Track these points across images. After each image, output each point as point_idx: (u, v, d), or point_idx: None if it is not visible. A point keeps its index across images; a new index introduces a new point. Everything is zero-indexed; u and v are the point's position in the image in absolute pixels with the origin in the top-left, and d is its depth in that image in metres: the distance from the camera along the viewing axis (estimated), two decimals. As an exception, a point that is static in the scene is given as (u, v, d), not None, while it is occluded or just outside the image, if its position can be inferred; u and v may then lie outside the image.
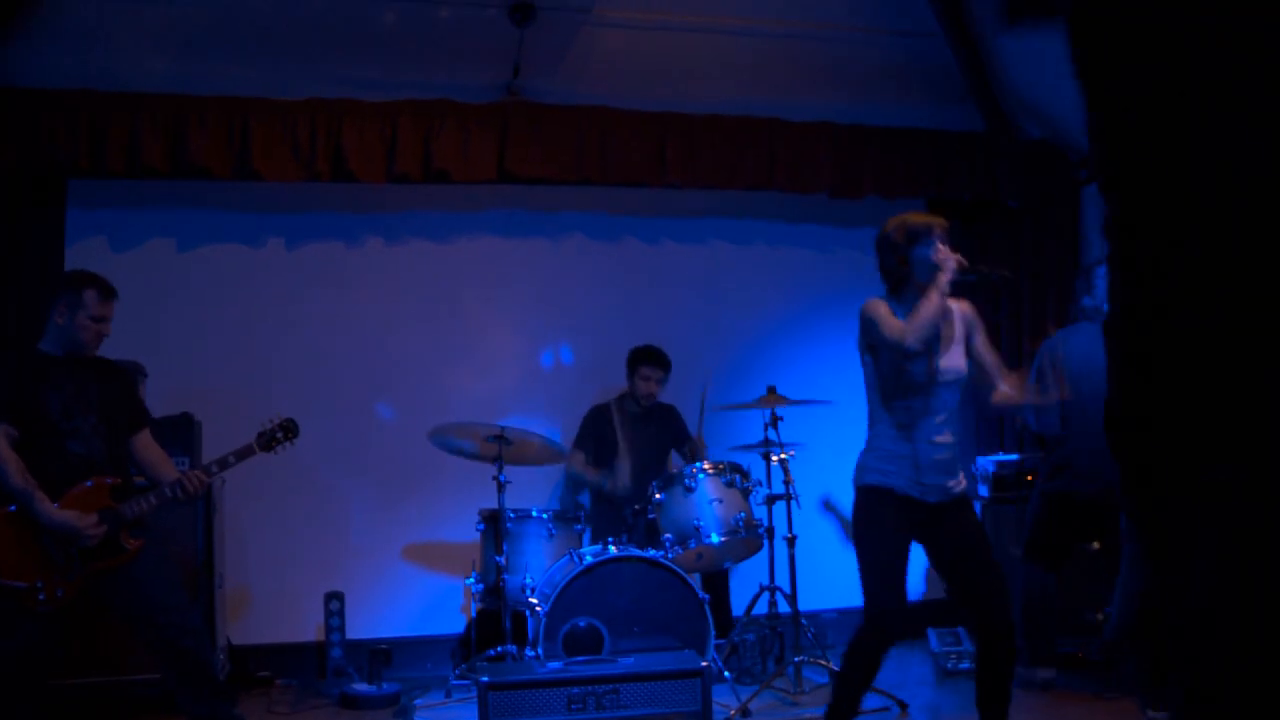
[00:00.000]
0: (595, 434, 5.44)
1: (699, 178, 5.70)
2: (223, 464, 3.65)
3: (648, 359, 5.39)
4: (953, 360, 3.30)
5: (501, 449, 4.66)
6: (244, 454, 3.69)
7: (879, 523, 3.28)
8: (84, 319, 3.51)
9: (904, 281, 3.31)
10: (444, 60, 5.53)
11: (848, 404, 5.61)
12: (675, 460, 5.59)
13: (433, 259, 5.78)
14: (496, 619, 4.75)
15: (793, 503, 4.70)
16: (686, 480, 4.75)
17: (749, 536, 4.71)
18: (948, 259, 3.20)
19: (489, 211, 5.87)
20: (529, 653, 4.33)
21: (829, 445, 5.72)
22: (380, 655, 4.81)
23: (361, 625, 5.31)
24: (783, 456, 4.77)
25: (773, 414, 4.85)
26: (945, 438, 3.27)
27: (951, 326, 3.33)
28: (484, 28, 5.39)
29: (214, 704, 3.50)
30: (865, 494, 3.32)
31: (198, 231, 5.52)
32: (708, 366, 5.94)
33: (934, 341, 3.23)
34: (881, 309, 3.28)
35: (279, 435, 3.78)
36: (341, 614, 5.11)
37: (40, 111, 4.92)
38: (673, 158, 5.63)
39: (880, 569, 3.27)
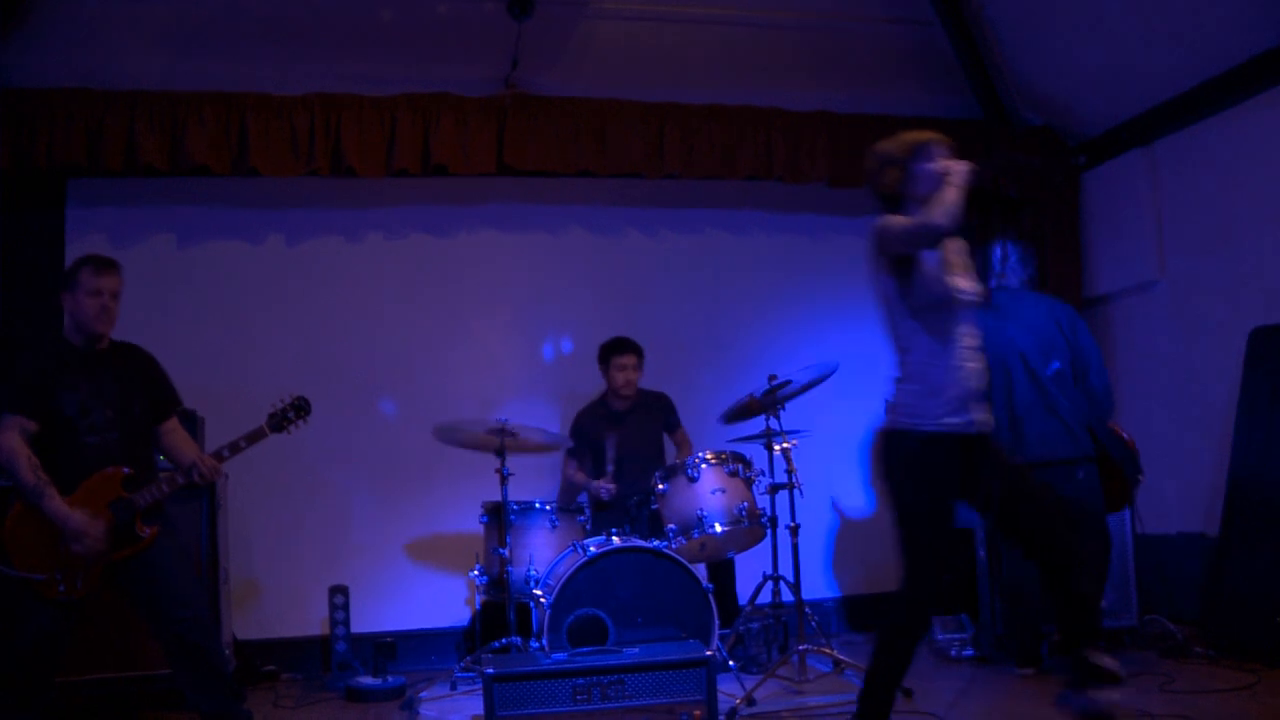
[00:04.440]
0: (585, 441, 5.41)
1: (697, 168, 5.71)
2: (234, 448, 3.62)
3: (617, 348, 5.38)
4: (974, 282, 3.08)
5: (504, 442, 4.67)
6: (255, 437, 3.66)
7: (929, 472, 2.96)
8: (83, 296, 3.50)
9: (900, 198, 3.12)
10: (442, 54, 5.53)
11: (849, 392, 5.64)
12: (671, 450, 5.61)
13: (433, 253, 5.79)
14: (501, 611, 4.77)
15: (795, 492, 4.71)
16: (689, 470, 4.76)
17: (752, 526, 4.73)
18: (955, 166, 3.01)
19: (488, 205, 5.87)
20: (534, 644, 4.35)
21: (831, 434, 5.74)
22: (385, 648, 4.83)
23: (366, 619, 5.33)
24: (785, 446, 4.77)
25: (774, 404, 4.85)
26: (978, 364, 3.04)
27: (960, 247, 3.12)
28: (482, 21, 5.39)
29: (223, 700, 3.51)
30: (911, 441, 2.97)
31: (197, 228, 5.53)
32: (708, 356, 5.96)
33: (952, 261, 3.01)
34: (893, 217, 3.06)
35: (290, 415, 3.74)
36: (346, 608, 5.13)
37: (37, 111, 4.93)
38: (671, 149, 5.63)
39: (929, 529, 2.95)
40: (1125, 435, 4.53)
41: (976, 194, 6.65)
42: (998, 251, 4.55)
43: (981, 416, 3.05)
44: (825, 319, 6.23)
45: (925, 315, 3.03)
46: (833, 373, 4.87)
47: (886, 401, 3.09)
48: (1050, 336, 4.49)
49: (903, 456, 3.01)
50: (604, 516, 5.23)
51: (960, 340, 3.04)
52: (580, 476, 5.36)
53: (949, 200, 2.94)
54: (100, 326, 3.55)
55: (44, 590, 3.35)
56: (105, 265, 3.58)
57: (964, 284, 3.06)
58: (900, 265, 3.04)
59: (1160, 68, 5.38)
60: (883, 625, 3.11)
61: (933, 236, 2.95)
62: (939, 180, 3.02)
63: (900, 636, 3.02)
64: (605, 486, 5.16)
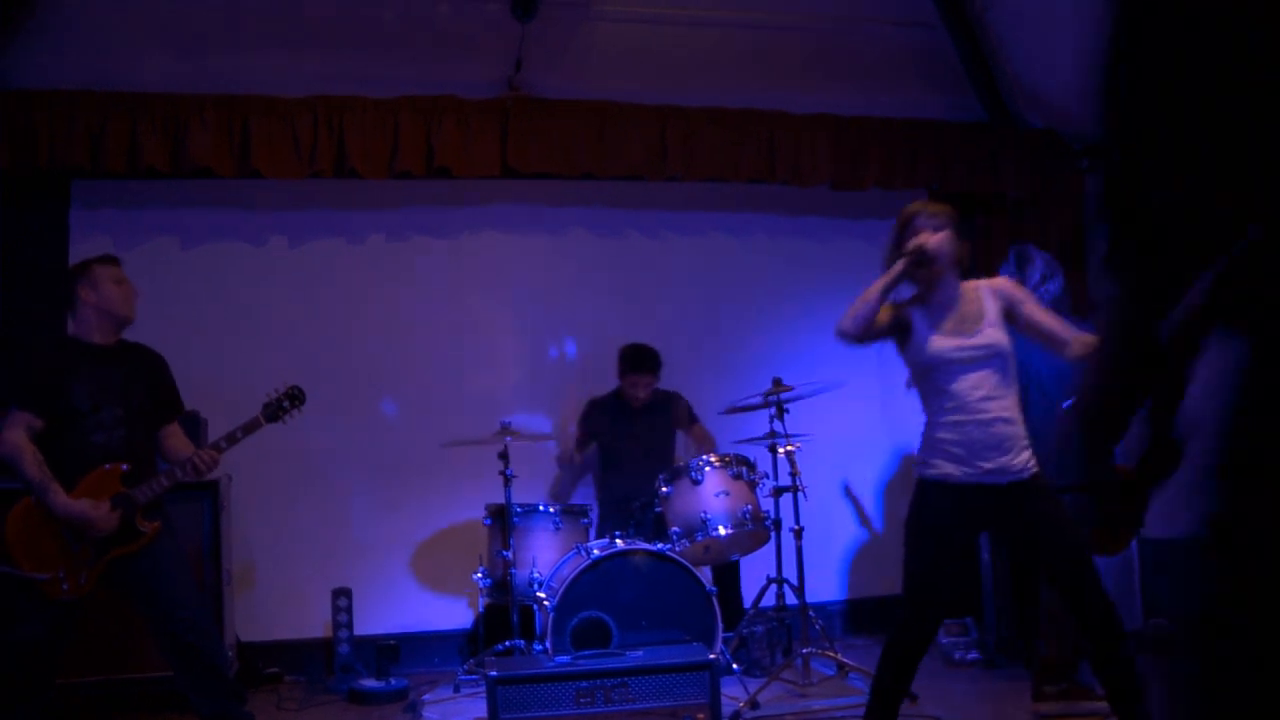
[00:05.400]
0: (596, 427, 5.43)
1: (700, 171, 5.70)
2: (231, 439, 3.61)
3: (635, 367, 5.32)
4: (977, 339, 3.22)
5: (507, 446, 4.67)
6: (251, 427, 3.64)
7: (923, 515, 3.26)
8: (108, 285, 3.57)
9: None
10: (445, 55, 5.52)
11: (853, 395, 5.63)
12: (682, 449, 5.60)
13: (435, 255, 5.78)
14: (504, 613, 4.76)
15: (799, 495, 4.70)
16: (693, 473, 4.75)
17: (756, 529, 4.72)
18: (912, 245, 3.24)
19: (491, 207, 5.86)
20: (537, 647, 4.34)
21: (835, 437, 5.73)
22: (388, 651, 4.82)
23: (369, 621, 5.32)
24: (789, 449, 4.77)
25: (778, 406, 4.85)
26: (988, 415, 3.18)
27: (976, 305, 3.27)
28: (485, 22, 5.39)
29: (224, 702, 3.50)
30: (918, 486, 3.31)
31: (201, 230, 5.53)
32: (711, 360, 5.95)
33: (959, 325, 3.24)
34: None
35: (285, 404, 3.73)
36: (349, 610, 5.12)
37: (40, 113, 4.92)
38: (673, 151, 5.62)
39: (917, 563, 3.24)
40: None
41: (980, 198, 6.65)
42: (1037, 274, 4.48)
43: (990, 466, 3.16)
44: (829, 322, 6.20)
45: (920, 379, 3.31)
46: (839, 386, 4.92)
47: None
48: (1070, 367, 4.36)
49: (913, 497, 3.32)
50: (609, 516, 5.23)
51: (962, 395, 3.20)
52: (574, 455, 5.49)
53: (857, 303, 3.29)
54: (129, 311, 3.63)
55: (49, 589, 3.35)
56: (115, 260, 3.68)
57: (947, 344, 3.23)
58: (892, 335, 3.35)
59: (1164, 70, 5.37)
60: (886, 638, 3.34)
61: (841, 338, 3.32)
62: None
63: (895, 646, 3.26)
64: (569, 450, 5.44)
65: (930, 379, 3.25)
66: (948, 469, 3.19)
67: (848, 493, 6.17)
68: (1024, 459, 3.21)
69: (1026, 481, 3.19)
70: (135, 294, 3.66)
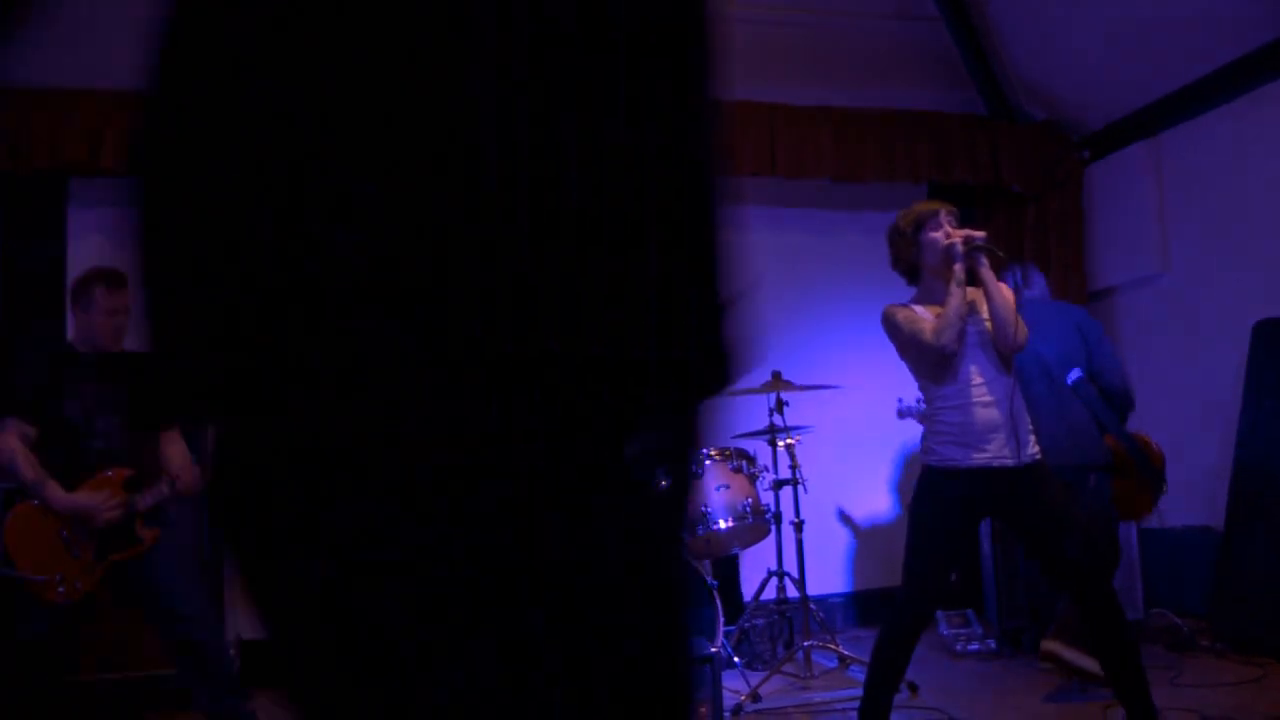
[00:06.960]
0: None
1: (700, 164, 5.69)
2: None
3: None
4: (978, 325, 3.21)
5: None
6: None
7: (928, 500, 3.21)
8: (97, 315, 3.53)
9: (917, 269, 3.29)
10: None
11: (853, 388, 5.63)
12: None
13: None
14: (506, 609, 4.77)
15: (799, 488, 4.71)
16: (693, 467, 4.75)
17: (756, 522, 4.72)
18: (953, 239, 3.15)
19: (490, 202, 5.86)
20: (539, 642, 4.34)
21: (835, 430, 5.74)
22: (391, 647, 4.82)
23: (371, 617, 5.32)
24: (789, 442, 4.77)
25: (778, 399, 4.85)
26: (988, 399, 3.13)
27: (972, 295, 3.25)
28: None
29: (228, 700, 3.51)
30: (923, 473, 3.25)
31: (199, 227, 5.52)
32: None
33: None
34: (899, 315, 3.25)
35: None
36: (351, 606, 5.12)
37: (38, 110, 4.91)
38: (673, 145, 5.61)
39: (924, 551, 3.19)
40: (1155, 446, 4.48)
41: (980, 190, 6.65)
42: (1014, 277, 4.57)
43: (994, 451, 3.11)
44: (829, 316, 6.22)
45: (925, 370, 3.26)
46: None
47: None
48: (1073, 346, 4.40)
49: (918, 486, 3.28)
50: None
51: (965, 380, 3.17)
52: None
53: (950, 314, 3.11)
54: (115, 345, 3.58)
55: (43, 592, 3.36)
56: (119, 281, 3.58)
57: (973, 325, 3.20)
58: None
59: (1164, 60, 5.37)
60: (882, 625, 3.31)
61: (933, 356, 3.15)
62: (942, 251, 3.18)
63: (891, 635, 3.23)
64: None
65: (939, 366, 3.19)
66: (953, 457, 3.13)
67: (848, 485, 6.17)
68: (1028, 443, 3.15)
69: (1030, 467, 3.13)
70: (127, 326, 3.58)
